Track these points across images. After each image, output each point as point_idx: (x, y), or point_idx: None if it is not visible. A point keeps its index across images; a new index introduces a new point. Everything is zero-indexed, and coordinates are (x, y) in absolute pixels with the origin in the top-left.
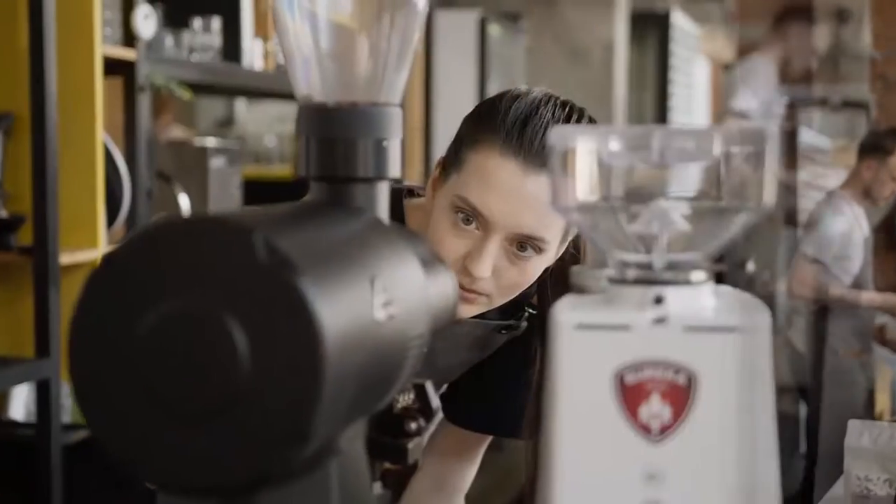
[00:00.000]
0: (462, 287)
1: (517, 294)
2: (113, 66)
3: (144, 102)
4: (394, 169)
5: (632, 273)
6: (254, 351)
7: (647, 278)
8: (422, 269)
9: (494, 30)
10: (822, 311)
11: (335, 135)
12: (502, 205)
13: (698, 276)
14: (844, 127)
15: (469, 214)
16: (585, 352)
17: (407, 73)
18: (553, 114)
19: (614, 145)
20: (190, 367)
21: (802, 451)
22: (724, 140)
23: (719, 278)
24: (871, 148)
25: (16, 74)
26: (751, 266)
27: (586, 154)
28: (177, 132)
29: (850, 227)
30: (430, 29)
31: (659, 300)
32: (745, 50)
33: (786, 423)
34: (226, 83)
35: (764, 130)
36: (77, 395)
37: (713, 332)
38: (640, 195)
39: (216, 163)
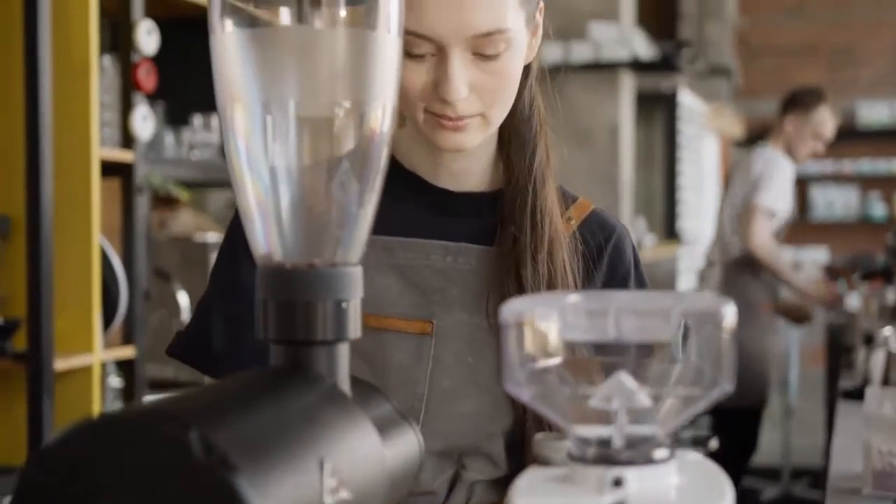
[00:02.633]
0: (447, 117)
1: (511, 98)
2: (111, 167)
3: (142, 203)
4: (354, 330)
5: (591, 451)
6: None
7: (607, 457)
8: (379, 436)
9: None
10: (743, 262)
11: (294, 297)
12: (440, 16)
13: (660, 453)
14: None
15: (414, 42)
16: None
17: (367, 231)
18: None
19: (569, 320)
20: None
21: None
22: (681, 318)
23: None
24: (793, 104)
25: (12, 177)
26: None
27: (541, 328)
28: (185, 217)
29: (790, 182)
30: None
31: (618, 482)
32: (753, 125)
33: None
34: (226, 180)
35: (721, 307)
36: None
37: None
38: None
39: None
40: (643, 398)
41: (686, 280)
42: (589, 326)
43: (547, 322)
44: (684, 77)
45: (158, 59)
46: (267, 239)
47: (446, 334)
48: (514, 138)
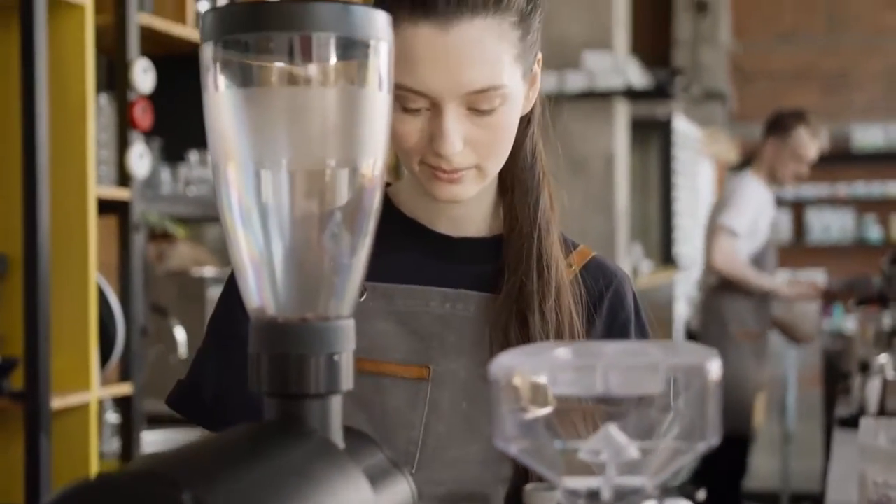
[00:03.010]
0: (442, 169)
1: (507, 150)
2: (108, 205)
3: (139, 241)
4: (346, 382)
5: (581, 503)
6: None
7: None
8: (371, 487)
9: None
10: (720, 288)
11: (286, 350)
12: (434, 73)
13: None
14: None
15: (409, 98)
16: None
17: (359, 282)
18: None
19: (558, 376)
20: None
21: None
22: (667, 375)
23: None
24: (773, 127)
25: (9, 215)
26: None
27: (530, 383)
28: (183, 249)
29: (761, 204)
30: None
31: None
32: (747, 150)
33: None
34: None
35: (707, 364)
36: None
37: None
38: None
39: (214, 293)
40: (632, 450)
41: (682, 306)
42: (577, 381)
43: (536, 377)
44: (679, 104)
45: (154, 96)
46: (260, 293)
47: (443, 380)
48: (517, 186)
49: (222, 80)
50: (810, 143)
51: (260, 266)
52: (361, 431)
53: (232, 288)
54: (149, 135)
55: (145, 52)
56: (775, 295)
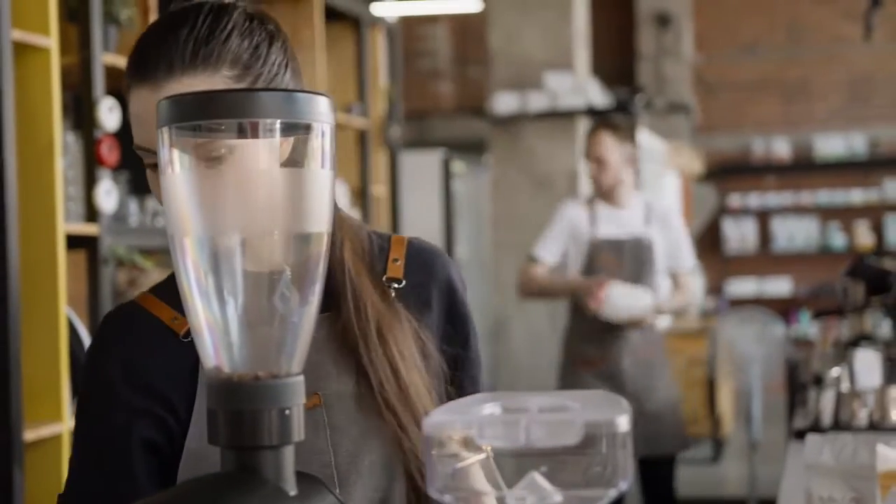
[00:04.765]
0: None
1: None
2: (77, 240)
3: (107, 274)
4: (298, 433)
5: None
6: None
7: None
8: None
9: (458, 166)
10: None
11: (241, 406)
12: (151, 131)
13: None
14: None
15: (146, 155)
16: None
17: (308, 340)
18: (173, 17)
19: (485, 431)
20: None
21: None
22: (582, 427)
23: None
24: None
25: None
26: None
27: (459, 437)
28: (154, 276)
29: (557, 222)
30: (395, 169)
31: None
32: (712, 161)
33: None
34: None
35: (616, 418)
36: None
37: None
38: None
39: None
40: (556, 496)
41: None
42: (503, 435)
43: (465, 432)
44: (642, 118)
45: (121, 130)
46: (216, 353)
47: (333, 402)
48: None
49: (177, 162)
50: (588, 141)
51: (215, 329)
52: (313, 476)
53: (101, 365)
54: (115, 169)
55: (110, 89)
56: (570, 290)
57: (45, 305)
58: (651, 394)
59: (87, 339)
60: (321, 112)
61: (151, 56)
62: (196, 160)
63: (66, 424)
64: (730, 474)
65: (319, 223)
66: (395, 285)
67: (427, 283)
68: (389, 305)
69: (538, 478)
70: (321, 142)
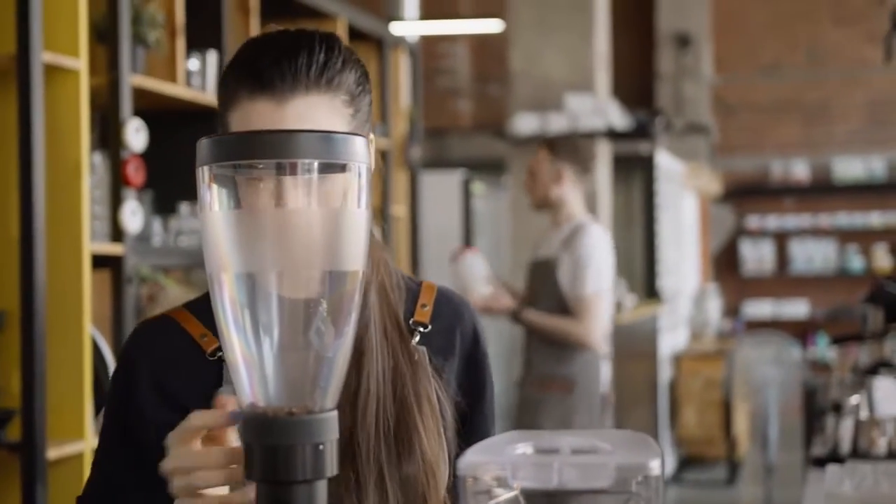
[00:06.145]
0: None
1: None
2: (102, 260)
3: (131, 294)
4: (331, 468)
5: None
6: None
7: None
8: None
9: (478, 187)
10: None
11: (275, 442)
12: None
13: None
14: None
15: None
16: None
17: (342, 377)
18: (287, 37)
19: (519, 472)
20: None
21: None
22: (616, 470)
23: None
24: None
25: (6, 271)
26: None
27: (493, 478)
28: (174, 292)
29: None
30: (415, 189)
31: None
32: (730, 181)
33: None
34: None
35: (650, 462)
36: None
37: None
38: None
39: None
40: None
41: (667, 339)
42: (536, 476)
43: (498, 473)
44: (661, 140)
45: (147, 150)
46: (252, 389)
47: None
48: None
49: (216, 201)
50: (535, 160)
51: (251, 365)
52: None
53: (129, 373)
54: (141, 189)
55: (137, 108)
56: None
57: (70, 324)
58: None
59: (109, 358)
60: (357, 152)
61: (276, 71)
62: (235, 199)
63: (89, 442)
64: (744, 497)
65: (355, 261)
66: (421, 329)
67: (453, 328)
68: (408, 350)
69: None
70: (358, 181)
